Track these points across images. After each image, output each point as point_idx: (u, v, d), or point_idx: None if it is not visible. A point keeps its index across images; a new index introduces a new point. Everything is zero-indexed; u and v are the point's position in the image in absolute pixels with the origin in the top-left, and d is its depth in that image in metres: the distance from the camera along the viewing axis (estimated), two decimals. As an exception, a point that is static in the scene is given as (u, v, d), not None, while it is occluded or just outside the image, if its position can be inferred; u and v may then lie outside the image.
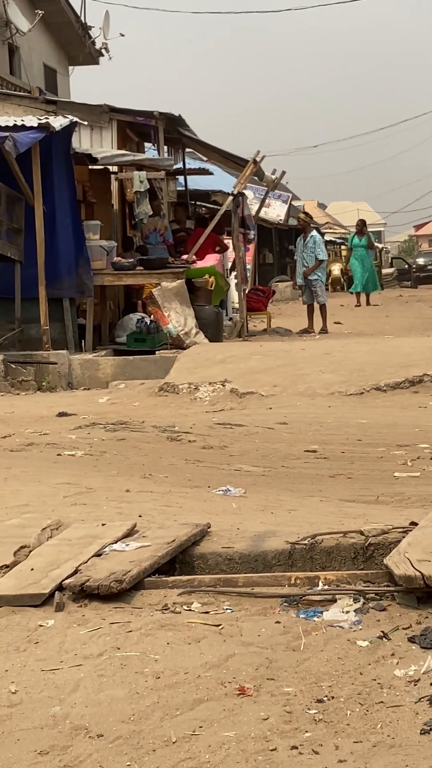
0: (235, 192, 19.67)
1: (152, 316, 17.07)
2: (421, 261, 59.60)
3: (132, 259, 17.72)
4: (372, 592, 5.04)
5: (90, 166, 18.55)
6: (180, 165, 23.22)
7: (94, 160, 18.05)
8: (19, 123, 15.79)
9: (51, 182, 16.35)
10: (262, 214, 29.35)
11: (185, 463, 8.99)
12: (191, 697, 4.16)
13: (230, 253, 21.43)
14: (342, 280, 41.50)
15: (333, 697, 4.09)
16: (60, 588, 5.22)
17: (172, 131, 20.55)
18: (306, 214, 23.72)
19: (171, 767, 3.66)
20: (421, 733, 3.75)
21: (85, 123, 18.16)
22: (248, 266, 24.07)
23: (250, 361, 14.53)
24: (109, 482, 7.84)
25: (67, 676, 4.42)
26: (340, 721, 3.90)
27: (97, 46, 27.12)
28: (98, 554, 5.60)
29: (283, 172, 23.10)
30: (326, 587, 5.17)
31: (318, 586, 5.20)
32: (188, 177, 24.48)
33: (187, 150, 23.80)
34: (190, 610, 5.05)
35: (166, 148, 20.50)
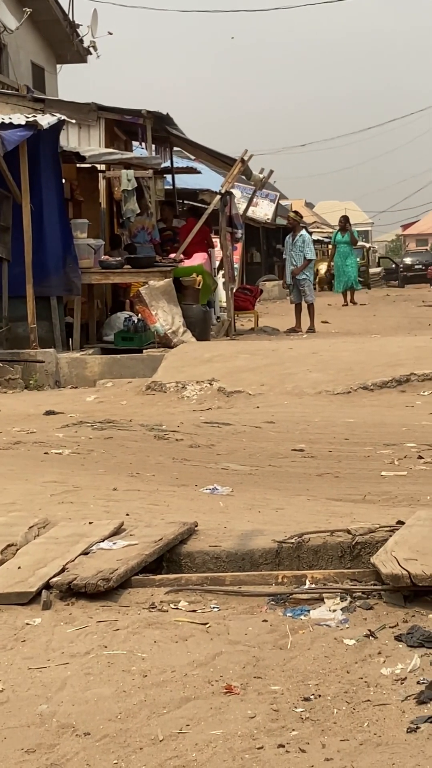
0: (223, 191, 19.67)
1: (140, 315, 17.06)
2: (408, 260, 59.78)
3: (119, 258, 17.73)
4: (359, 591, 5.04)
5: (78, 165, 18.54)
6: (168, 164, 23.22)
7: (82, 159, 18.04)
8: (7, 121, 15.77)
9: (39, 180, 16.34)
10: (249, 213, 29.37)
11: (172, 461, 8.99)
12: (178, 695, 4.16)
13: (218, 252, 21.43)
14: (325, 276, 41.41)
15: (320, 696, 4.10)
16: (47, 586, 5.21)
17: (160, 130, 20.54)
18: (296, 212, 23.72)
19: (158, 765, 3.66)
20: (407, 732, 3.75)
21: (73, 121, 18.14)
22: (236, 265, 24.05)
23: (237, 360, 14.54)
24: (97, 481, 7.83)
25: (54, 674, 4.42)
26: (327, 720, 3.90)
27: (85, 44, 27.08)
28: (85, 553, 5.60)
29: (271, 171, 23.13)
30: (313, 586, 5.18)
31: (305, 584, 5.21)
32: (176, 176, 24.48)
33: (175, 149, 23.79)
34: (177, 608, 5.05)
35: (153, 146, 20.49)
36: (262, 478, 8.34)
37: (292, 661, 4.41)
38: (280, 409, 12.16)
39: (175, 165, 24.19)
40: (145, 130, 19.64)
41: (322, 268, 39.51)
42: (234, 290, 20.93)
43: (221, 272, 21.26)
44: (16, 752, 3.81)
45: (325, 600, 5.00)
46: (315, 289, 23.22)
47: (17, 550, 5.79)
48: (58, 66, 28.50)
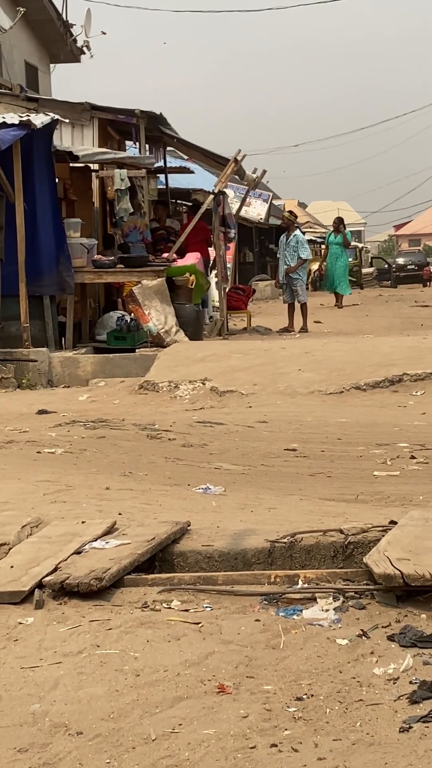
0: (216, 190, 19.66)
1: (132, 314, 17.05)
2: (400, 261, 59.74)
3: (113, 257, 17.71)
4: (351, 591, 5.05)
5: (71, 164, 18.52)
6: (161, 163, 23.21)
7: (75, 158, 18.02)
8: (0, 120, 15.75)
9: (32, 180, 16.32)
10: (242, 213, 29.33)
11: (165, 461, 8.99)
12: (171, 694, 4.16)
13: (211, 252, 21.42)
14: (314, 276, 41.34)
15: (312, 695, 4.10)
16: (40, 585, 5.21)
17: (153, 129, 20.53)
18: (290, 212, 23.74)
19: (150, 765, 3.66)
20: (400, 731, 3.76)
21: (67, 121, 18.13)
22: (228, 265, 24.06)
23: (230, 360, 14.53)
24: (89, 480, 7.83)
25: (46, 673, 4.42)
26: (319, 719, 3.90)
27: (79, 44, 27.05)
28: (78, 552, 5.60)
29: (264, 171, 23.10)
30: (306, 585, 5.18)
31: (298, 584, 5.21)
32: (169, 175, 24.46)
33: (168, 148, 23.78)
34: (169, 608, 5.05)
35: (147, 146, 20.48)
36: (254, 477, 8.34)
37: (285, 661, 4.42)
38: (272, 408, 12.16)
39: (168, 165, 24.18)
40: (139, 130, 19.62)
41: (314, 268, 39.48)
42: (227, 290, 20.93)
43: (214, 272, 21.25)
44: (8, 751, 3.81)
45: (318, 600, 5.00)
46: (308, 289, 23.22)
47: (10, 549, 5.78)
48: (52, 65, 28.46)
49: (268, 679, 4.26)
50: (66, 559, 5.48)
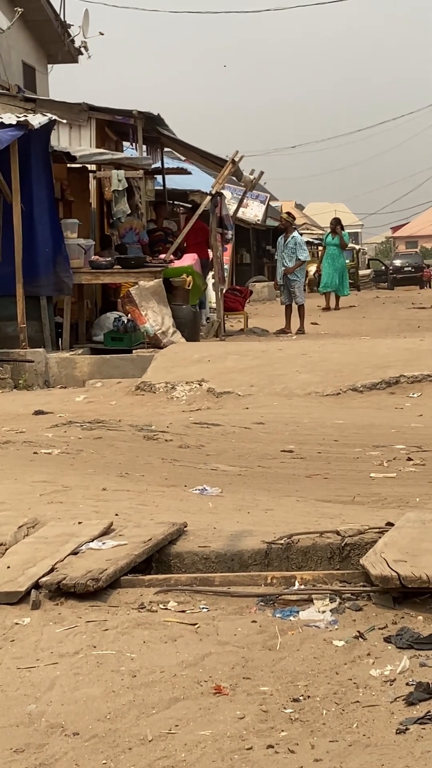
0: (214, 192, 19.67)
1: (129, 315, 17.05)
2: (397, 262, 59.80)
3: (110, 258, 17.72)
4: (348, 592, 5.05)
5: (68, 165, 18.53)
6: (158, 164, 23.21)
7: (73, 159, 18.03)
8: (-2, 120, 15.75)
9: (29, 180, 16.32)
10: (239, 214, 29.36)
11: (162, 462, 8.99)
12: (167, 695, 4.16)
13: (210, 253, 21.42)
14: (314, 278, 41.32)
15: (309, 697, 4.10)
16: (36, 586, 5.21)
17: (151, 130, 20.53)
18: (288, 214, 23.73)
19: (147, 766, 3.66)
20: (396, 733, 3.76)
21: (64, 121, 18.12)
22: (226, 266, 24.05)
23: (227, 361, 14.54)
24: (86, 481, 7.83)
25: (43, 674, 4.42)
26: (316, 721, 3.90)
27: (77, 44, 27.03)
28: (75, 552, 5.60)
29: (261, 173, 23.12)
30: (302, 587, 5.18)
31: (294, 585, 5.21)
32: (166, 176, 24.46)
33: (166, 149, 23.78)
34: (166, 608, 5.05)
35: (144, 147, 20.48)
36: (251, 479, 8.34)
37: (281, 662, 4.42)
38: (269, 410, 12.17)
39: (165, 165, 24.19)
40: (136, 131, 19.63)
41: (312, 269, 39.49)
42: (224, 291, 20.93)
43: (211, 273, 21.26)
44: (4, 752, 3.81)
45: (315, 601, 5.00)
46: (305, 290, 23.21)
47: (6, 549, 5.78)
48: (50, 66, 28.44)
49: (264, 681, 4.26)
50: (63, 560, 5.48)
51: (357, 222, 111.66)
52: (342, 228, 29.30)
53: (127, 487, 7.66)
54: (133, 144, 20.67)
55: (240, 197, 26.60)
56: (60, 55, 27.60)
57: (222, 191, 20.85)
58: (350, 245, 36.48)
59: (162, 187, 24.33)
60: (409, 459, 8.96)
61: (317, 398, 12.93)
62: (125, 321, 17.28)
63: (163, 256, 18.38)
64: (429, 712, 3.87)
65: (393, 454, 9.21)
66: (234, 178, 22.61)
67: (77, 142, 19.80)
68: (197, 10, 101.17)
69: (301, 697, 4.09)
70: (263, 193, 43.08)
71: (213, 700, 4.10)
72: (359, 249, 64.19)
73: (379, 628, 4.68)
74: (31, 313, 16.28)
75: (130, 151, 22.17)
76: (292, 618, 4.87)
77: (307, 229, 60.72)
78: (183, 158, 26.41)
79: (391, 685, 4.15)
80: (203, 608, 5.04)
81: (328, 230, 30.33)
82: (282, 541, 5.59)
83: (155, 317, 16.55)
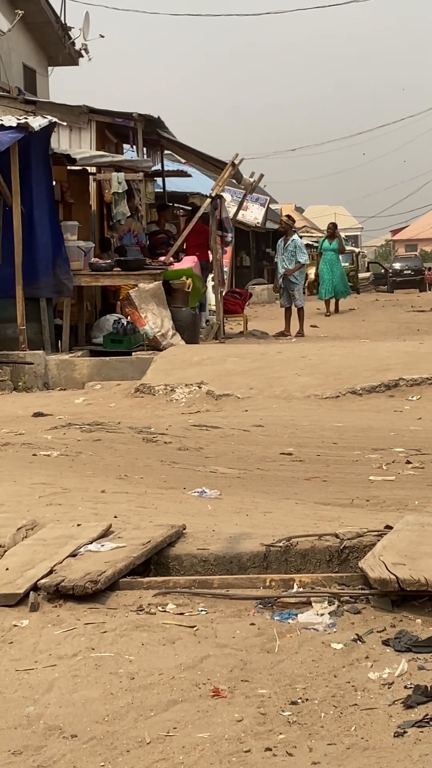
0: (213, 194, 19.68)
1: (129, 318, 17.06)
2: (397, 266, 59.78)
3: (109, 260, 17.72)
4: (347, 595, 5.04)
5: (68, 167, 18.53)
6: (158, 167, 23.22)
7: (73, 161, 18.03)
8: (-2, 122, 15.76)
9: (29, 182, 16.33)
10: (239, 217, 29.40)
11: (161, 464, 8.99)
12: (166, 698, 4.16)
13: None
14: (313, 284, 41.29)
15: (307, 699, 4.10)
16: (35, 588, 5.20)
17: (151, 133, 20.55)
18: (288, 217, 23.75)
19: (145, 768, 3.66)
20: (394, 736, 3.76)
21: (64, 123, 18.14)
22: (225, 269, 24.06)
23: (226, 364, 14.54)
24: (85, 483, 7.83)
25: (41, 676, 4.42)
26: (314, 723, 3.90)
27: (77, 47, 27.04)
28: (73, 555, 5.59)
29: (261, 175, 23.12)
30: (301, 590, 5.18)
31: (293, 588, 5.21)
32: (166, 179, 24.48)
33: (166, 152, 23.80)
34: (164, 611, 5.04)
35: (144, 149, 20.49)
36: (250, 481, 8.34)
37: (280, 665, 4.41)
38: (268, 412, 12.17)
39: (165, 168, 24.22)
40: (136, 133, 19.66)
41: (311, 272, 39.49)
42: (223, 294, 20.94)
43: (210, 275, 21.26)
44: (2, 754, 3.81)
45: (313, 604, 5.00)
46: (304, 293, 23.22)
47: (5, 551, 5.78)
48: (50, 68, 28.46)
49: (262, 683, 4.26)
50: (61, 562, 5.48)
51: (357, 225, 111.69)
52: (339, 233, 29.28)
53: (126, 489, 7.66)
54: (133, 146, 20.70)
55: (240, 200, 26.65)
56: (60, 57, 27.61)
57: (222, 194, 20.86)
58: (349, 248, 36.47)
59: (162, 190, 24.35)
60: (408, 462, 8.97)
61: (316, 401, 12.93)
62: (125, 323, 17.29)
63: (163, 258, 18.39)
64: (427, 715, 3.87)
65: (392, 457, 9.21)
66: (234, 181, 22.63)
67: (77, 145, 19.83)
68: (198, 13, 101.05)
69: (299, 700, 4.09)
70: (263, 196, 43.10)
71: (211, 703, 4.10)
72: (359, 252, 64.19)
73: (377, 631, 4.68)
74: (30, 315, 16.29)
75: (130, 153, 22.20)
76: (290, 621, 4.86)
77: (307, 232, 60.77)
78: (183, 161, 26.44)
79: (389, 688, 4.15)
80: (202, 611, 5.04)
81: (325, 236, 30.24)
82: (281, 544, 5.58)
83: (155, 319, 16.56)
